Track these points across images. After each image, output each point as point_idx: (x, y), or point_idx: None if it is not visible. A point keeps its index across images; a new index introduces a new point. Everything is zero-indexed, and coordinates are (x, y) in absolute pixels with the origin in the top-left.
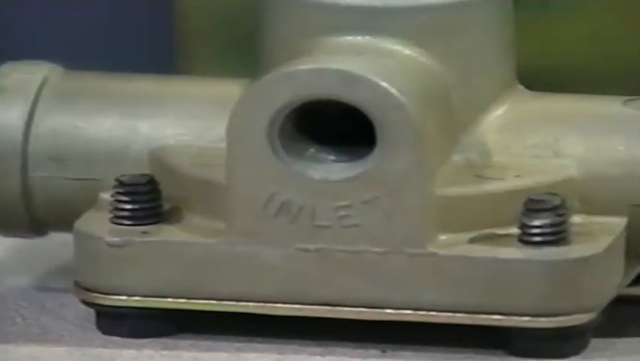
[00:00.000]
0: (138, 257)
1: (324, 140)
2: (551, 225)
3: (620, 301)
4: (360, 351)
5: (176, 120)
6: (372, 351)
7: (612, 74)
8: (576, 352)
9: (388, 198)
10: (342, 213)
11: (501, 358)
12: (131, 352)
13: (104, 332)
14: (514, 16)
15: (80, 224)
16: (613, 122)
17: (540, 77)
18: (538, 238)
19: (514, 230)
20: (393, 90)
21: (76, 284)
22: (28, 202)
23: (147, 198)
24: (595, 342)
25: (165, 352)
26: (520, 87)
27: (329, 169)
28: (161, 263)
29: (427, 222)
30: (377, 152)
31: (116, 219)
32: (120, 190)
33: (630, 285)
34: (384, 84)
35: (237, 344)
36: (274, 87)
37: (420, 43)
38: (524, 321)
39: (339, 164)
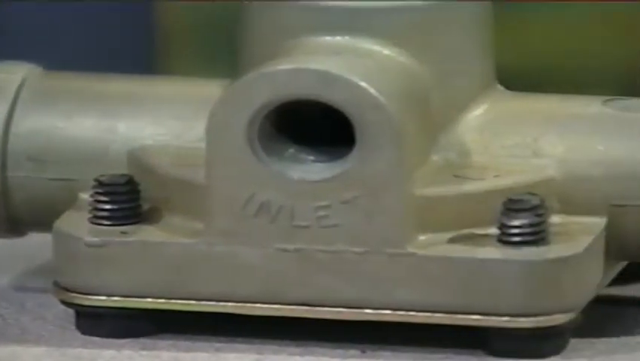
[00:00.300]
0: (117, 257)
1: (304, 140)
2: (530, 225)
3: (599, 302)
4: (340, 351)
5: (155, 120)
6: (352, 351)
7: (593, 74)
8: (555, 352)
9: (367, 199)
10: (321, 213)
11: (480, 358)
12: (111, 352)
13: (84, 332)
14: (496, 17)
15: (59, 224)
16: (592, 122)
17: (521, 78)
18: (517, 238)
19: (494, 230)
20: (371, 90)
21: (56, 284)
22: (6, 202)
23: (126, 199)
24: (574, 342)
25: (144, 352)
26: (500, 87)
27: (308, 169)
28: (141, 263)
29: (406, 223)
30: (356, 152)
31: (95, 220)
32: (99, 190)
33: (610, 285)
34: (362, 84)
35: (217, 344)
36: (253, 87)
37: (399, 44)
38: (503, 321)
39: (319, 164)
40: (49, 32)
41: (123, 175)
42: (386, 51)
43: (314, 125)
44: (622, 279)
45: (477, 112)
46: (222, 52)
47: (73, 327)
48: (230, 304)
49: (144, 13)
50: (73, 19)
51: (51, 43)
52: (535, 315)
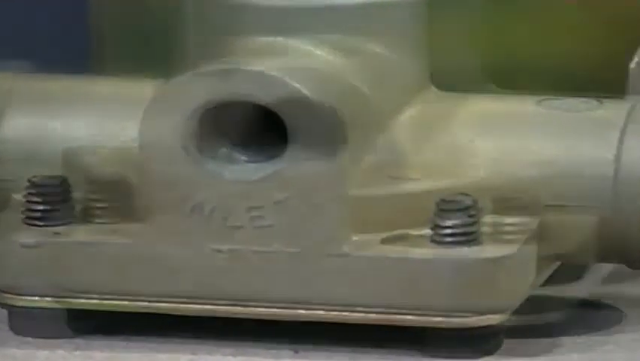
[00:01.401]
0: (50, 258)
1: (238, 139)
2: (463, 225)
3: (532, 302)
4: (273, 352)
5: (90, 120)
6: (285, 352)
7: (575, 73)
8: (490, 352)
9: (300, 199)
10: (254, 213)
11: (415, 358)
12: (45, 353)
13: (17, 333)
14: (483, 17)
15: None
16: (527, 122)
17: (505, 77)
18: (449, 239)
19: (427, 231)
20: (305, 91)
21: None
22: None
23: (59, 199)
24: (508, 342)
25: (78, 352)
26: (434, 88)
27: (242, 169)
28: (73, 264)
29: (340, 223)
30: (289, 153)
31: (29, 220)
32: (32, 191)
33: (543, 285)
34: (296, 85)
35: (151, 345)
36: (187, 88)
37: (332, 44)
38: (437, 321)
39: (252, 164)
40: None
41: (56, 176)
42: (319, 52)
43: (248, 124)
44: (555, 279)
45: (411, 113)
46: (157, 52)
47: (7, 328)
48: (164, 305)
49: (80, 11)
50: (8, 17)
51: None
52: (469, 315)
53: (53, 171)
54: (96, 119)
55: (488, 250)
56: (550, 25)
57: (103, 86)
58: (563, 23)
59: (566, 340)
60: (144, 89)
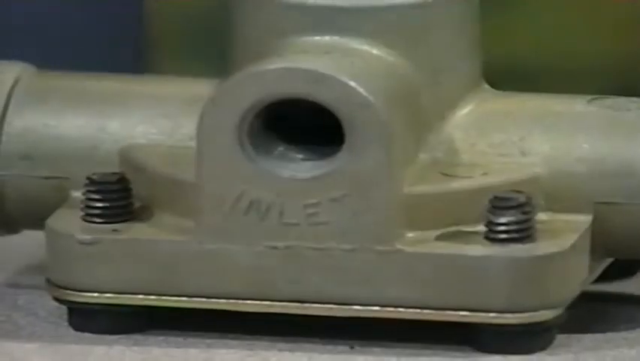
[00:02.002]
0: (109, 255)
1: (293, 138)
2: (517, 222)
3: (585, 298)
4: (329, 347)
5: (146, 119)
6: (341, 347)
7: (579, 73)
8: (542, 348)
9: (356, 197)
10: (310, 211)
11: (467, 354)
12: (103, 348)
13: (76, 329)
14: (484, 17)
15: (52, 222)
16: (578, 120)
17: (508, 77)
18: (503, 235)
19: (481, 228)
20: (360, 89)
21: (48, 281)
22: (0, 201)
23: (118, 197)
24: (561, 338)
25: (136, 348)
26: (487, 86)
27: (297, 167)
28: (132, 261)
29: (394, 220)
30: (345, 150)
31: (87, 217)
32: (91, 188)
33: (596, 282)
34: (351, 83)
35: (208, 340)
36: (243, 87)
37: (387, 43)
38: (491, 317)
39: (308, 162)
40: (41, 31)
41: (115, 173)
42: (375, 51)
43: (304, 124)
44: (608, 276)
45: (464, 111)
46: (212, 52)
47: (66, 323)
48: (221, 301)
49: (135, 11)
50: (64, 18)
51: (42, 43)
52: (522, 311)
53: (111, 168)
54: (152, 118)
55: (542, 247)
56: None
57: (158, 86)
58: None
59: (615, 335)
60: (200, 88)
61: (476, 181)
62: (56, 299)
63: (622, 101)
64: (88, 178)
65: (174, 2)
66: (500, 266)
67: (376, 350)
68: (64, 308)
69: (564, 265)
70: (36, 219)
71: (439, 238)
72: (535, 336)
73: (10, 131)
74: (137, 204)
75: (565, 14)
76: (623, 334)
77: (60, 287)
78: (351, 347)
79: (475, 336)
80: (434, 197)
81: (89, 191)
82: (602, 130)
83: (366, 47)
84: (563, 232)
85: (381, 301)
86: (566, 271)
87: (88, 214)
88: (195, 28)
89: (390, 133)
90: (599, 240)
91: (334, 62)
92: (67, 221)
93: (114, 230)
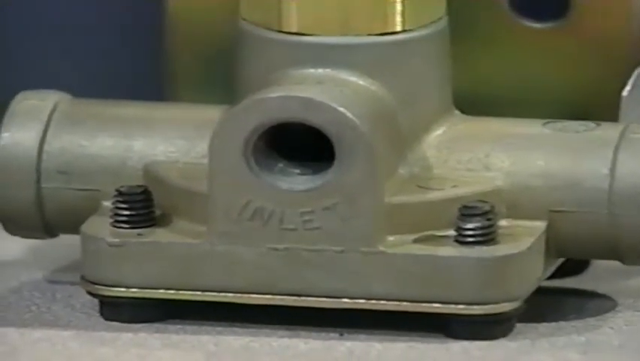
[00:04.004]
0: (134, 255)
1: (291, 156)
2: (482, 228)
3: (540, 292)
4: (322, 334)
5: (166, 140)
6: (332, 334)
7: (534, 100)
8: (504, 334)
9: (345, 205)
10: (306, 218)
11: (440, 339)
12: (129, 334)
13: (106, 318)
14: (451, 50)
15: (86, 227)
16: (534, 140)
17: (475, 104)
18: (471, 239)
19: (451, 232)
20: (348, 114)
21: (83, 278)
22: (41, 209)
23: (142, 206)
24: (520, 326)
25: (157, 334)
26: (456, 112)
27: (295, 181)
28: (154, 260)
29: (377, 226)
30: (335, 166)
31: (116, 223)
32: (119, 199)
33: (550, 278)
34: (340, 109)
35: (218, 328)
36: (248, 112)
37: (371, 75)
38: (460, 309)
39: (303, 176)
40: (71, 65)
41: (139, 186)
42: (360, 81)
43: (300, 144)
44: (560, 273)
45: (437, 133)
46: (222, 83)
47: (98, 314)
48: (229, 294)
49: (154, 49)
50: (87, 51)
51: (75, 75)
52: (486, 303)
53: (136, 182)
54: (171, 139)
55: (503, 249)
56: (530, 53)
57: (176, 112)
58: (546, 51)
59: (566, 324)
60: (211, 113)
61: (447, 192)
62: (89, 293)
63: (571, 124)
64: (116, 190)
65: (191, 44)
66: (468, 265)
67: (362, 336)
68: (96, 301)
69: (522, 264)
70: (72, 225)
71: (415, 241)
72: (498, 325)
73: (49, 151)
74: (158, 212)
75: (523, 53)
76: (573, 323)
77: (92, 283)
78: (341, 334)
79: (446, 325)
80: (411, 206)
81: (117, 201)
82: (554, 149)
83: (353, 78)
84: (522, 236)
85: (366, 295)
86: (524, 269)
87: (116, 221)
88: (208, 64)
89: (373, 151)
90: (552, 242)
91: (326, 91)
92: (99, 227)
93: (139, 234)
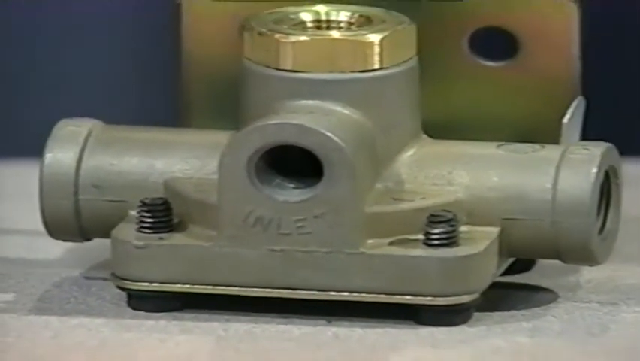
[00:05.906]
0: (156, 256)
1: (287, 173)
2: (446, 232)
3: (494, 286)
4: (312, 321)
5: (182, 159)
6: (321, 321)
7: (489, 127)
8: (464, 322)
9: (332, 214)
10: (299, 224)
11: (411, 325)
12: (151, 322)
13: (133, 308)
14: (420, 85)
15: (116, 232)
16: (489, 160)
17: (440, 129)
18: (437, 242)
19: (421, 236)
20: (335, 138)
21: (113, 274)
22: (78, 217)
23: (162, 214)
24: (477, 315)
25: (175, 322)
26: (425, 136)
27: (290, 193)
28: (172, 260)
29: (358, 231)
30: (324, 182)
31: (141, 229)
32: (143, 209)
33: (502, 274)
34: (328, 134)
35: (226, 316)
36: (251, 136)
37: (353, 105)
38: (427, 300)
39: (297, 190)
40: (99, 95)
41: (160, 198)
42: (345, 110)
43: (294, 163)
44: (511, 271)
45: (409, 153)
46: (228, 113)
47: (125, 305)
48: (235, 288)
49: (172, 85)
50: (117, 87)
51: (106, 104)
52: (450, 296)
53: (157, 194)
54: (187, 159)
55: (464, 250)
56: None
57: (191, 136)
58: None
59: (516, 313)
60: (221, 137)
61: (417, 203)
62: (118, 287)
63: (520, 146)
64: (141, 201)
65: (203, 81)
66: (434, 264)
67: (345, 323)
68: (124, 294)
69: (480, 263)
70: (104, 230)
71: (390, 243)
72: (459, 313)
73: (85, 168)
74: (176, 220)
75: (479, 87)
76: (522, 312)
77: (121, 279)
78: (328, 321)
79: (416, 313)
80: (387, 215)
81: (141, 210)
82: (506, 167)
83: (339, 108)
84: (479, 240)
85: (349, 288)
86: (481, 267)
87: (141, 227)
88: (218, 98)
89: (355, 169)
90: (505, 245)
91: (316, 119)
92: (126, 232)
93: (160, 238)
